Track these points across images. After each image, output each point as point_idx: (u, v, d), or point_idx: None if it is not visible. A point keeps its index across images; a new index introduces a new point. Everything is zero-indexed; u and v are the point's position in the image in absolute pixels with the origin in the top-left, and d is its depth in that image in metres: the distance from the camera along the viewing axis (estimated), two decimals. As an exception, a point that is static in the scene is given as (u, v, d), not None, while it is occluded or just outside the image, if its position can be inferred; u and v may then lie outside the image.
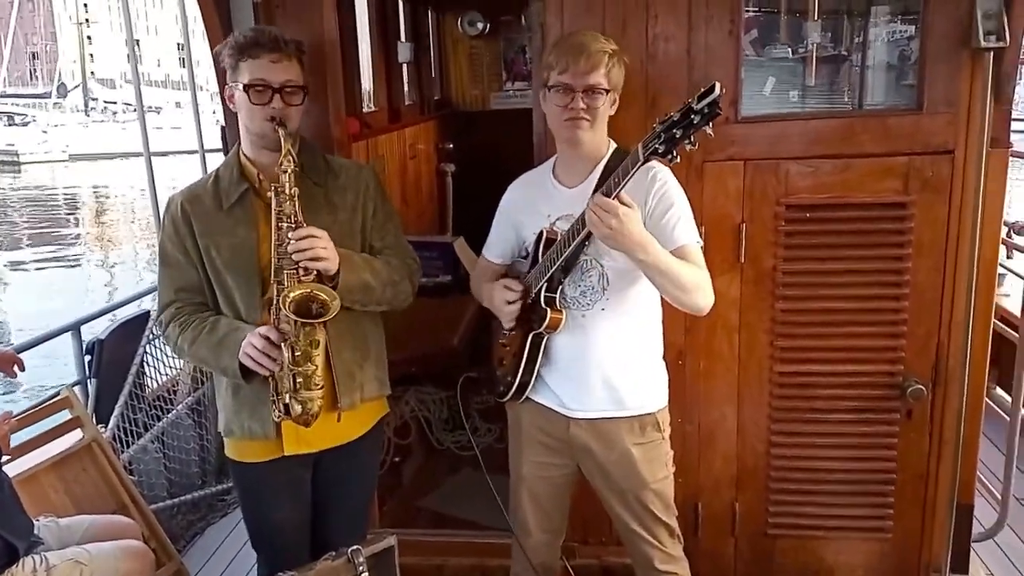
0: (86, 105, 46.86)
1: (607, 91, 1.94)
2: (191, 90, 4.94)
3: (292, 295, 1.88)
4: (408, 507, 3.37)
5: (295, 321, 1.86)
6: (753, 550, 2.69)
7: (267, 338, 1.90)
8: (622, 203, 1.77)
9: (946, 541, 2.53)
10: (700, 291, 1.94)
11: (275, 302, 1.92)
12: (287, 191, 1.91)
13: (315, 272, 1.91)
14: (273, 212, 1.93)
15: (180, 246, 2.07)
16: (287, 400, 1.94)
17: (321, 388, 1.94)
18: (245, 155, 2.08)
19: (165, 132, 37.76)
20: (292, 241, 1.88)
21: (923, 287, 2.40)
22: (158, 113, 43.74)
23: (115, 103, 45.58)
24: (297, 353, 1.89)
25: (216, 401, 2.24)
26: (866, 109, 2.95)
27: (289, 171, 1.91)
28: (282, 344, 1.90)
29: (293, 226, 1.91)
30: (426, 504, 3.40)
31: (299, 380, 1.91)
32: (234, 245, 2.02)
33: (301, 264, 1.89)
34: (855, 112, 2.89)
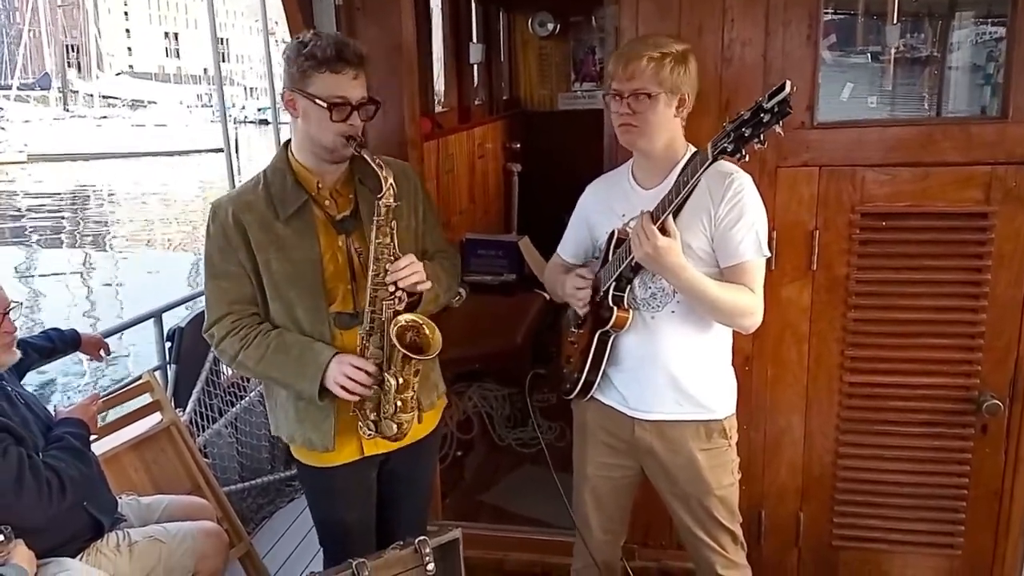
0: (64, 99, 43.16)
1: (651, 95, 1.92)
2: (270, 91, 5.04)
3: (398, 324, 1.93)
4: (470, 501, 3.42)
5: (405, 356, 1.92)
6: (817, 561, 2.65)
7: (365, 371, 1.95)
8: (666, 230, 1.82)
9: (1019, 560, 2.46)
10: (740, 315, 1.97)
11: (366, 330, 1.97)
12: (387, 224, 1.92)
13: (404, 297, 1.96)
14: (372, 243, 1.92)
15: (233, 258, 2.00)
16: (381, 420, 2.01)
17: (415, 410, 2.04)
18: (299, 162, 2.02)
19: (148, 130, 35.11)
20: (390, 272, 1.92)
21: (1002, 300, 2.33)
22: (146, 107, 41.25)
23: (92, 95, 42.26)
24: (400, 381, 1.96)
25: (270, 406, 2.20)
26: (948, 116, 2.89)
27: (391, 204, 1.91)
28: (386, 374, 1.96)
29: (391, 258, 1.93)
30: (488, 499, 3.45)
31: (399, 404, 1.99)
32: (295, 259, 1.99)
33: (397, 294, 1.94)
34: (936, 120, 2.83)
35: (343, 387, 1.95)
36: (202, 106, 46.77)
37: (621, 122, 1.98)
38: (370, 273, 1.95)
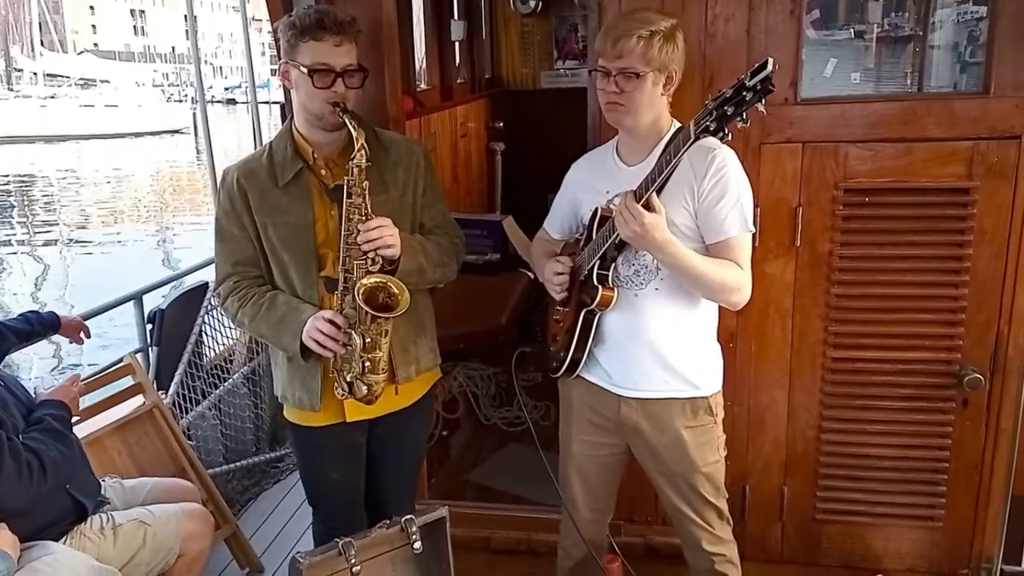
0: (8, 78, 42.15)
1: (639, 74, 1.91)
2: (248, 71, 4.97)
3: (365, 285, 1.93)
4: (456, 480, 3.44)
5: (368, 314, 1.93)
6: (800, 535, 2.69)
7: (334, 323, 1.97)
8: (651, 206, 1.81)
9: (999, 532, 2.50)
10: (727, 291, 1.96)
11: (340, 290, 2.00)
12: (359, 185, 1.95)
13: (380, 260, 1.97)
14: (344, 205, 1.96)
15: (236, 221, 2.11)
16: (352, 381, 2.02)
17: (386, 372, 2.04)
18: (299, 131, 2.10)
19: (96, 111, 33.39)
20: (361, 232, 1.93)
21: (984, 275, 2.35)
22: (96, 87, 39.33)
23: (35, 74, 40.00)
24: (367, 340, 1.97)
25: (272, 368, 2.32)
26: (930, 92, 2.89)
27: (362, 165, 1.95)
28: (353, 332, 1.97)
29: (363, 218, 1.95)
30: (473, 477, 3.46)
31: (367, 365, 2.00)
32: (290, 224, 2.07)
33: (369, 255, 1.95)
34: (919, 95, 2.83)
35: (316, 341, 1.99)
36: (169, 85, 45.44)
37: (608, 100, 1.96)
38: (342, 232, 1.97)
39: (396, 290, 1.96)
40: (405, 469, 2.40)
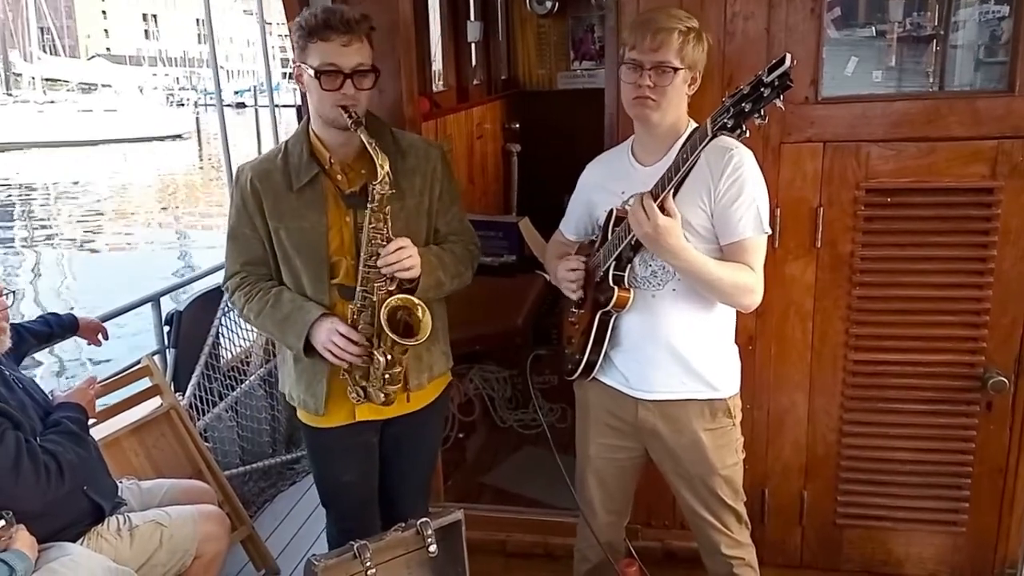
0: (7, 82, 41.12)
1: (676, 69, 1.90)
2: (266, 74, 4.98)
3: (389, 305, 1.94)
4: (472, 483, 3.42)
5: (393, 342, 1.94)
6: (820, 539, 2.65)
7: (352, 340, 1.98)
8: (666, 209, 1.79)
9: (1024, 537, 2.46)
10: (740, 294, 1.94)
11: (357, 307, 2.00)
12: (382, 210, 1.93)
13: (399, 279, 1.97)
14: (366, 227, 1.95)
15: (248, 221, 2.09)
16: (369, 389, 2.04)
17: (402, 382, 2.06)
18: (315, 133, 2.07)
19: (95, 115, 32.38)
20: (382, 256, 1.93)
21: (1009, 276, 2.31)
22: (91, 91, 38.96)
23: (33, 78, 39.02)
24: (388, 359, 1.99)
25: (280, 362, 2.32)
26: (953, 90, 2.86)
27: (385, 193, 1.92)
28: (375, 352, 1.98)
29: (384, 242, 1.94)
30: (489, 480, 3.44)
31: (387, 378, 2.01)
32: (304, 230, 2.05)
33: (388, 276, 1.95)
34: (942, 94, 2.80)
35: (332, 352, 2.00)
36: (180, 89, 45.32)
37: (639, 94, 1.93)
38: (362, 255, 1.97)
39: (420, 313, 1.97)
40: (418, 470, 2.39)
